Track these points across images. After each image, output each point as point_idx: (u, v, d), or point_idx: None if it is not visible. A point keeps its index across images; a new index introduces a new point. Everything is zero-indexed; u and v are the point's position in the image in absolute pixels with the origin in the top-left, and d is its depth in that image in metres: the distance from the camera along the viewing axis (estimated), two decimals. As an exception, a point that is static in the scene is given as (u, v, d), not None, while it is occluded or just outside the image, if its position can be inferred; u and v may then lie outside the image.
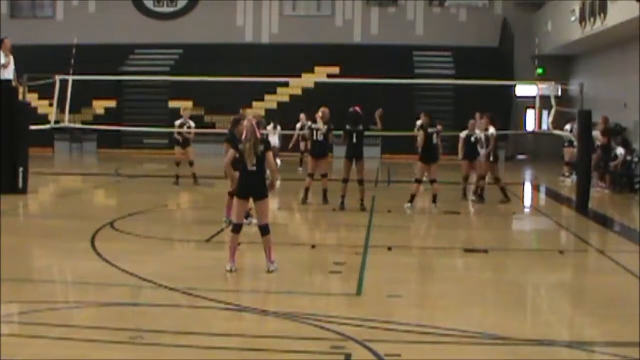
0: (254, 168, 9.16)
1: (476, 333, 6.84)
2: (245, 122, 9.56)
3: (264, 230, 9.17)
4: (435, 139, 15.06)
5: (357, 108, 15.03)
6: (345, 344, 6.41)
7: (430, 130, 15.00)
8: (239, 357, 6.35)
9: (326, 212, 14.92)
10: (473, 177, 16.99)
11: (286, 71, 28.71)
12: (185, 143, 18.97)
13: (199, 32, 33.94)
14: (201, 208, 16.02)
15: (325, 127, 15.54)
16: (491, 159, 16.26)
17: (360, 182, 14.84)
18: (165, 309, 7.63)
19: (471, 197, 16.61)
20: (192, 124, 19.18)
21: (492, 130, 16.19)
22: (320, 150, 15.64)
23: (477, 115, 25.13)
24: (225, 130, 13.69)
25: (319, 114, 15.75)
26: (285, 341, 6.57)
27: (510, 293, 8.79)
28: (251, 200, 9.35)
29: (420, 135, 15.06)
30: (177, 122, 19.18)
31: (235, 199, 9.56)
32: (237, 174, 9.62)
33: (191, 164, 18.93)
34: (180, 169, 18.92)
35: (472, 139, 16.69)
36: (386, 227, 13.34)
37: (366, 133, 15.02)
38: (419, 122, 15.79)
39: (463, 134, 16.95)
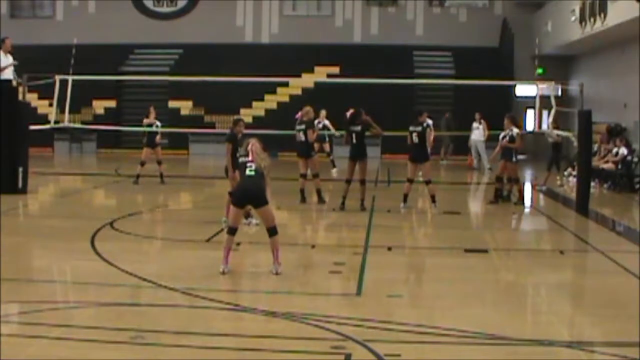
0: (253, 173, 9.12)
1: (476, 333, 6.83)
2: (251, 146, 9.30)
3: (271, 232, 9.08)
4: (416, 138, 14.95)
5: (351, 110, 15.10)
6: (345, 344, 6.41)
7: (411, 129, 15.01)
8: (239, 357, 6.35)
9: (326, 212, 14.93)
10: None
11: (286, 71, 28.66)
12: (153, 143, 19.00)
13: (199, 32, 33.92)
14: (201, 208, 16.03)
15: (304, 126, 15.60)
16: (514, 159, 16.11)
17: (362, 182, 14.84)
18: (165, 309, 7.63)
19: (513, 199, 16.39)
20: (159, 124, 19.28)
21: (515, 130, 16.10)
22: (303, 150, 15.67)
23: (477, 115, 25.29)
24: (225, 130, 13.76)
25: (301, 113, 15.81)
26: (285, 341, 6.57)
27: (510, 293, 8.80)
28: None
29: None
30: (146, 122, 19.25)
31: (231, 205, 9.39)
32: (237, 174, 9.59)
33: (159, 162, 18.99)
34: (143, 169, 18.88)
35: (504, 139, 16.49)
36: (386, 227, 13.33)
37: (367, 133, 14.99)
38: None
39: (502, 135, 16.50)
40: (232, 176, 11.51)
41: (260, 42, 34.89)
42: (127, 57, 33.98)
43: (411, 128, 15.02)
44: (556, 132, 19.87)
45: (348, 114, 15.21)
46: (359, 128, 14.82)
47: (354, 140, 14.83)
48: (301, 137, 15.65)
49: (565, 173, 21.66)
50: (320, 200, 15.51)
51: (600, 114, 21.93)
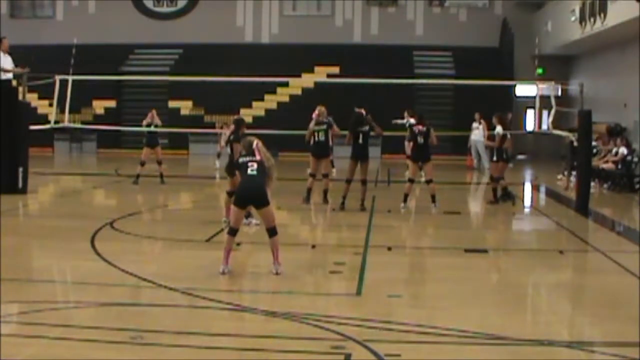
0: (254, 172, 9.09)
1: (476, 333, 6.83)
2: (257, 144, 9.35)
3: (271, 232, 9.06)
4: (421, 139, 14.98)
5: (362, 110, 15.11)
6: (345, 344, 6.40)
7: (413, 129, 15.08)
8: (239, 357, 6.35)
9: (326, 212, 14.92)
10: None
11: (286, 71, 28.69)
12: (154, 143, 19.00)
13: (199, 32, 33.94)
14: (201, 208, 16.02)
15: (325, 126, 15.57)
16: (494, 158, 16.22)
17: (364, 182, 14.85)
18: (165, 309, 7.63)
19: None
20: (159, 122, 19.30)
21: (498, 129, 16.15)
22: (322, 150, 15.63)
23: (477, 115, 25.28)
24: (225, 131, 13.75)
25: (317, 112, 15.76)
26: (285, 341, 6.57)
27: (510, 293, 8.78)
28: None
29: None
30: (145, 122, 19.27)
31: (232, 205, 9.30)
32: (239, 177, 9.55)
33: (159, 163, 18.98)
34: (143, 169, 18.87)
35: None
36: (386, 227, 13.34)
37: (372, 133, 15.05)
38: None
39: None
40: (235, 178, 11.49)
41: (260, 42, 34.91)
42: (127, 57, 34.01)
43: (413, 128, 15.10)
44: (558, 132, 19.86)
45: (357, 111, 15.08)
46: (367, 128, 14.85)
47: (360, 141, 14.83)
48: (320, 137, 15.57)
49: (566, 173, 21.66)
50: (326, 200, 15.48)
51: (600, 114, 21.93)
